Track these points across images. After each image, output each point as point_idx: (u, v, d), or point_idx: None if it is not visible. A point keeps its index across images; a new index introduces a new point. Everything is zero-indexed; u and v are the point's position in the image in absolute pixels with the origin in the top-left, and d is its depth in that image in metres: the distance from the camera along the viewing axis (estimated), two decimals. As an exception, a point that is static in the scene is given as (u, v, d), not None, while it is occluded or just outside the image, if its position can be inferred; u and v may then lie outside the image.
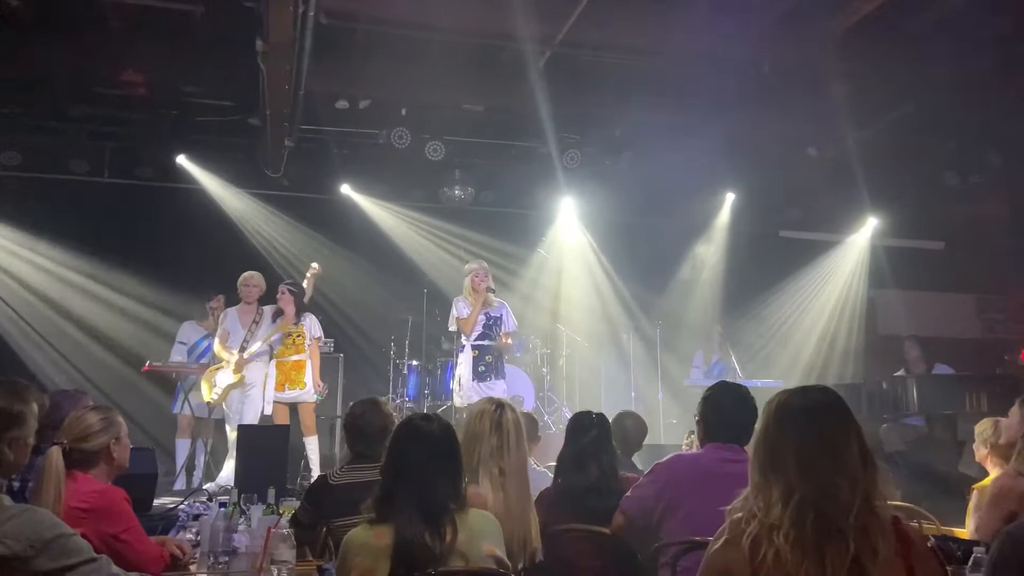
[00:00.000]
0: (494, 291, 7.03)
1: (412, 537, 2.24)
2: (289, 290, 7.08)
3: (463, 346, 6.94)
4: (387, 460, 2.45)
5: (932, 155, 9.16)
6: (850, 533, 1.78)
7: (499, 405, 3.19)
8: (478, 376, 6.77)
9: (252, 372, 6.96)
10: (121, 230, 8.45)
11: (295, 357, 7.01)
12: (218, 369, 6.93)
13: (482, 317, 6.87)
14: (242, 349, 6.92)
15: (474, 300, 6.86)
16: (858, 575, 1.77)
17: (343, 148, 8.93)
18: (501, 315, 7.00)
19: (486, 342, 6.88)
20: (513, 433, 3.11)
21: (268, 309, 7.13)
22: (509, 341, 7.28)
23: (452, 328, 7.08)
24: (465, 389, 6.72)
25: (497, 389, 6.73)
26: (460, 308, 6.92)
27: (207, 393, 6.89)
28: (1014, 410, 3.52)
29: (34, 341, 8.27)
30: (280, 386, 6.95)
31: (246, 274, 7.26)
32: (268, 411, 6.97)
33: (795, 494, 1.84)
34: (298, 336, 7.02)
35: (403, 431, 2.51)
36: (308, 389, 6.99)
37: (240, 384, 6.86)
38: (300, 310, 7.08)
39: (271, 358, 7.04)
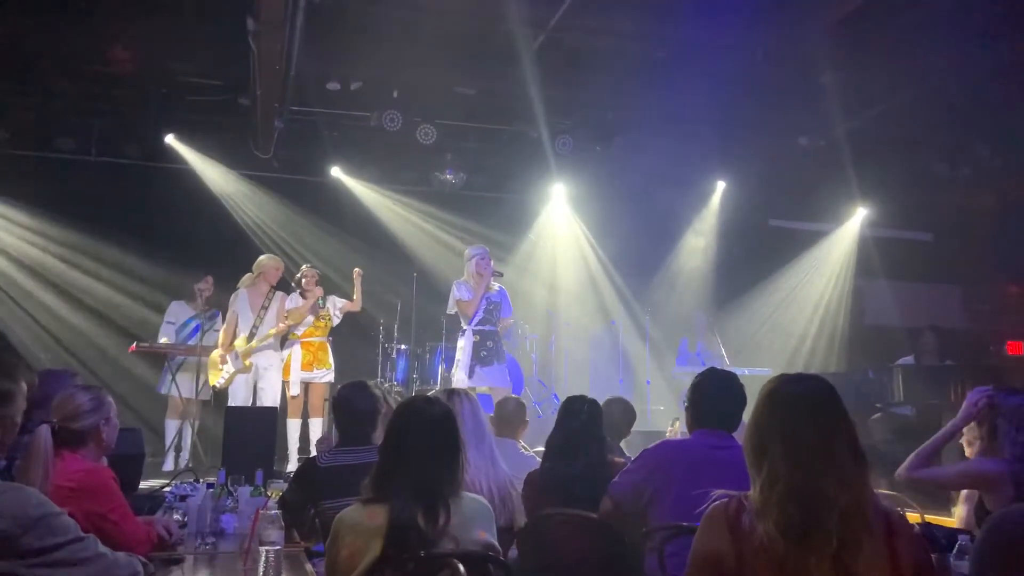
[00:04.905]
0: (502, 275, 7.02)
1: (406, 519, 2.24)
2: (317, 273, 7.42)
3: (464, 330, 6.86)
4: (386, 440, 2.47)
5: (922, 146, 9.19)
6: (834, 529, 1.77)
7: (452, 392, 3.40)
8: (480, 360, 6.69)
9: (264, 358, 7.12)
10: (109, 209, 8.35)
11: (321, 339, 7.27)
12: (223, 354, 7.03)
13: (483, 302, 6.81)
14: (251, 335, 7.02)
15: (476, 284, 6.80)
16: (841, 570, 1.76)
17: (334, 130, 8.87)
18: (500, 301, 6.98)
19: (487, 327, 6.82)
20: (468, 410, 3.31)
21: (279, 295, 7.24)
22: (510, 323, 7.28)
23: (451, 312, 7.03)
24: (466, 373, 6.67)
25: (498, 374, 6.74)
26: (462, 291, 6.82)
27: (213, 377, 6.98)
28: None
29: (21, 319, 8.20)
30: (308, 366, 7.21)
31: (270, 258, 7.46)
32: (295, 392, 7.15)
33: (779, 482, 1.83)
34: (328, 320, 7.30)
35: (404, 412, 2.51)
36: (332, 370, 7.29)
37: (248, 370, 7.00)
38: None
39: (282, 345, 7.27)
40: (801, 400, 1.91)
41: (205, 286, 7.52)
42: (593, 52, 7.73)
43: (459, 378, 6.74)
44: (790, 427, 1.87)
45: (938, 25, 6.65)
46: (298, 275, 7.46)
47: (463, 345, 6.82)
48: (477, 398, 3.44)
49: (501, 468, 3.26)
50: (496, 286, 7.02)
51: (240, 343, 7.10)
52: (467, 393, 3.41)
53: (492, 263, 6.90)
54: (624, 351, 9.17)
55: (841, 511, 1.78)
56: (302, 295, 7.34)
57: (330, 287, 7.76)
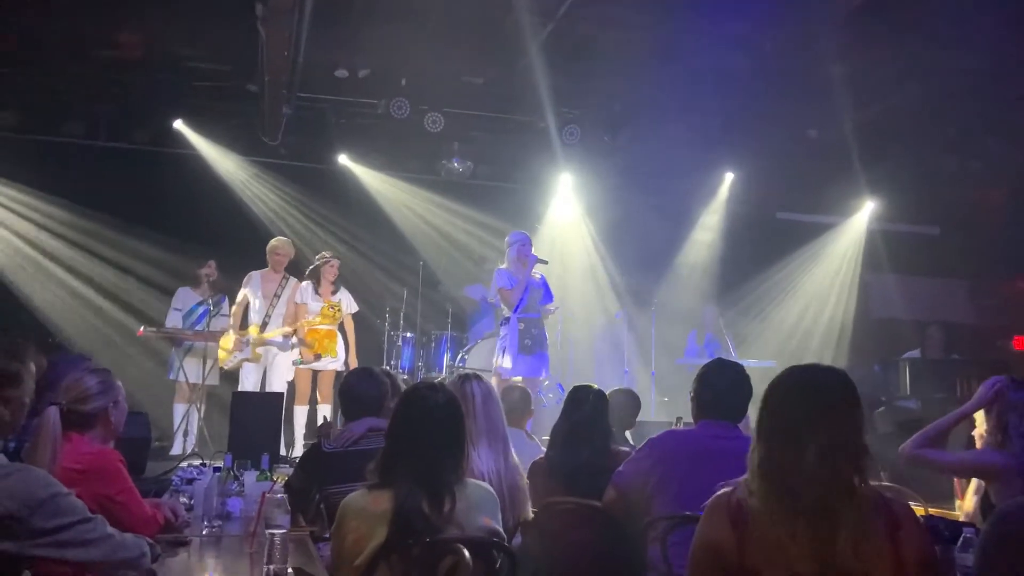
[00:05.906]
0: (547, 262, 6.93)
1: (411, 506, 2.26)
2: (339, 264, 7.37)
3: (508, 318, 6.75)
4: (391, 426, 2.48)
5: (931, 139, 9.14)
6: (825, 516, 1.78)
7: (464, 378, 3.32)
8: (525, 349, 6.59)
9: (273, 346, 7.16)
10: (117, 194, 8.34)
11: (328, 326, 7.18)
12: (237, 339, 7.08)
13: (525, 289, 6.72)
14: (263, 325, 7.10)
15: (518, 271, 6.71)
16: (835, 558, 1.77)
17: (341, 117, 8.86)
18: (542, 287, 6.91)
19: (531, 314, 6.73)
20: (479, 399, 3.22)
21: (292, 281, 7.24)
22: (552, 310, 7.10)
23: (492, 299, 6.97)
24: (509, 361, 6.59)
25: (538, 363, 6.70)
26: (503, 279, 6.72)
27: (223, 357, 7.01)
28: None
29: (29, 302, 8.23)
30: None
31: (277, 242, 7.45)
32: (290, 377, 7.18)
33: (775, 468, 1.85)
34: (338, 310, 7.20)
35: (409, 399, 2.52)
36: (339, 358, 7.22)
37: (257, 359, 7.11)
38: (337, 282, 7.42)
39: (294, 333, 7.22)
40: (805, 389, 1.93)
41: (209, 270, 7.53)
42: (601, 42, 7.70)
43: (502, 368, 6.62)
44: (789, 415, 1.89)
45: (948, 17, 6.60)
46: (317, 263, 7.37)
47: (506, 333, 6.69)
48: (491, 385, 3.38)
49: (513, 465, 3.20)
50: (537, 273, 6.94)
51: (252, 331, 7.13)
52: (479, 379, 3.31)
53: (533, 249, 6.84)
54: (629, 342, 9.17)
55: (835, 497, 1.79)
56: (316, 288, 7.29)
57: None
